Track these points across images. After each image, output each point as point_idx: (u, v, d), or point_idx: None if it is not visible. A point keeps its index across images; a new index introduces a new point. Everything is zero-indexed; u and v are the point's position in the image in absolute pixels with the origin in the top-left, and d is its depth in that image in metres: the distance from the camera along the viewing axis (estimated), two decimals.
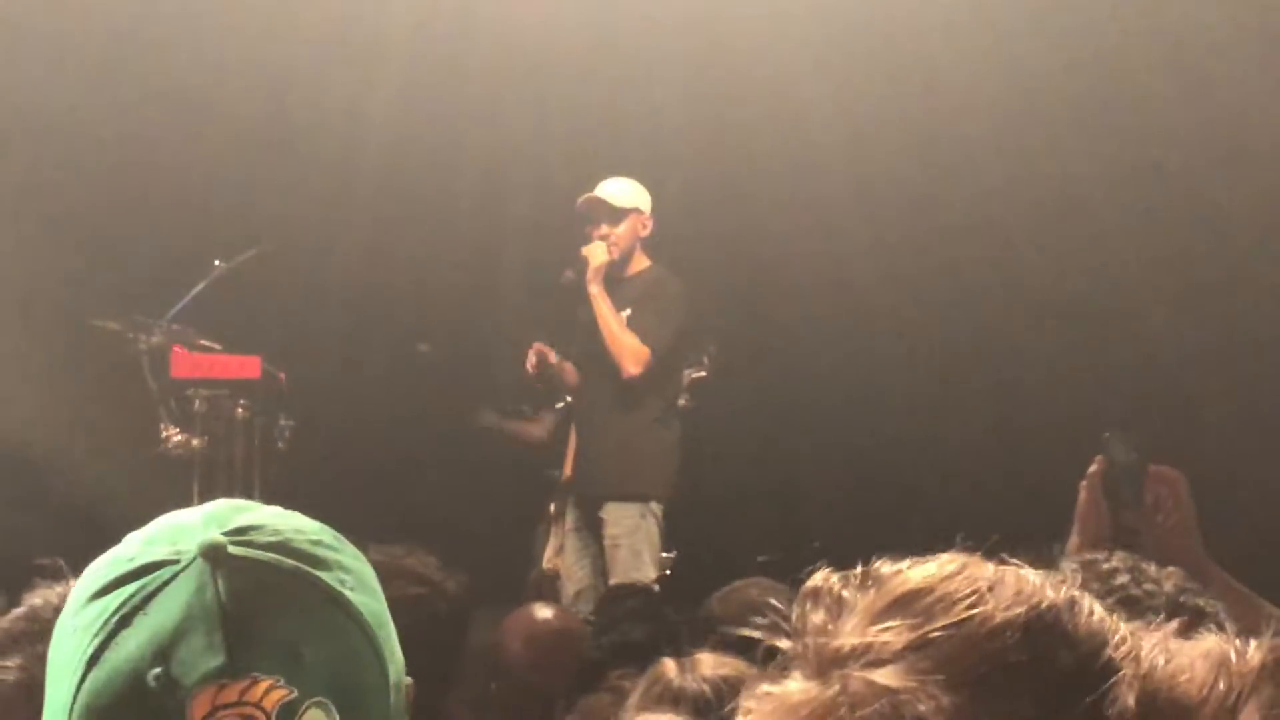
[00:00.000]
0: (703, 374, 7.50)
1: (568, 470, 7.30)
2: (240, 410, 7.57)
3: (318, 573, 1.14)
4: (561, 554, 7.21)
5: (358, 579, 1.17)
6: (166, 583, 1.10)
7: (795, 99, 8.22)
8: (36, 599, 2.04)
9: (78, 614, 1.13)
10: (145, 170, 8.29)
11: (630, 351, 6.44)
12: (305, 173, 8.49)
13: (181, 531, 1.14)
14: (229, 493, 7.41)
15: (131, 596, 1.10)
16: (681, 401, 7.23)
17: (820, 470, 8.05)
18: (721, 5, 8.23)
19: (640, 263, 6.71)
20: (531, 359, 6.68)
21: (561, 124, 8.55)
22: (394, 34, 8.44)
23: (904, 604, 1.02)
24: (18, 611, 2.05)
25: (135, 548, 1.15)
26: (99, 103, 8.13)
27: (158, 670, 1.07)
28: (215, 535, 1.12)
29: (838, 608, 1.05)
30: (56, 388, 7.97)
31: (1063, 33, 7.87)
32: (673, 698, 2.44)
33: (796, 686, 1.02)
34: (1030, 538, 1.44)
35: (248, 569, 1.11)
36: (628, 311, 6.55)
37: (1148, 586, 2.10)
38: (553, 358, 6.68)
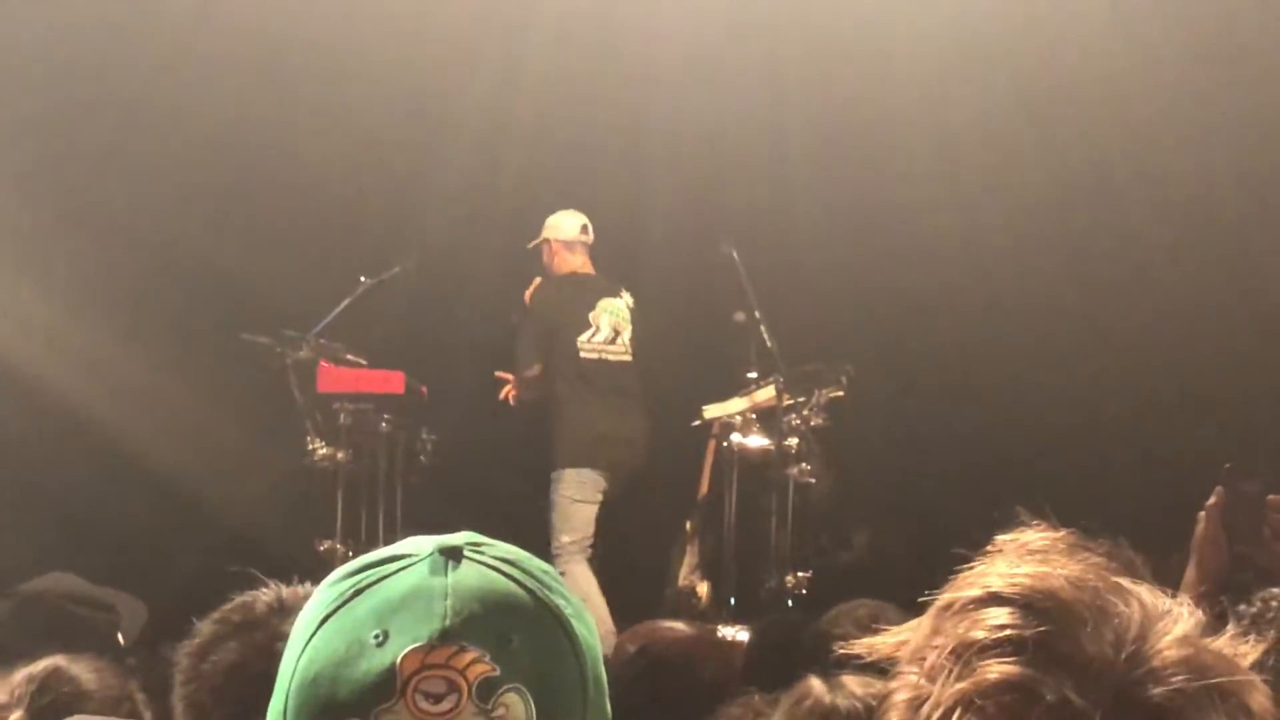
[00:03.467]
0: (840, 393, 7.50)
1: (704, 487, 7.38)
2: (384, 424, 7.69)
3: (543, 589, 1.22)
4: (697, 571, 7.28)
5: (578, 613, 1.24)
6: (403, 569, 1.21)
7: (937, 119, 8.23)
8: (247, 596, 2.21)
9: (321, 592, 1.24)
10: (294, 188, 8.48)
11: None
12: (449, 190, 8.64)
13: (425, 541, 1.25)
14: (372, 505, 7.58)
15: (369, 576, 1.21)
16: (818, 421, 7.29)
17: (956, 492, 8.00)
18: (856, 19, 8.27)
19: None
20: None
21: (696, 139, 8.64)
22: (534, 53, 8.57)
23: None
24: (234, 603, 2.22)
25: (384, 549, 1.26)
26: (252, 124, 8.33)
27: (377, 630, 1.17)
28: (455, 541, 1.23)
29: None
30: (208, 400, 8.18)
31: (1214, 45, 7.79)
32: (823, 714, 2.47)
33: (926, 682, 1.05)
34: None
35: (478, 568, 1.21)
36: None
37: None
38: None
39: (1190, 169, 8.01)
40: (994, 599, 1.05)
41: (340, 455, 7.55)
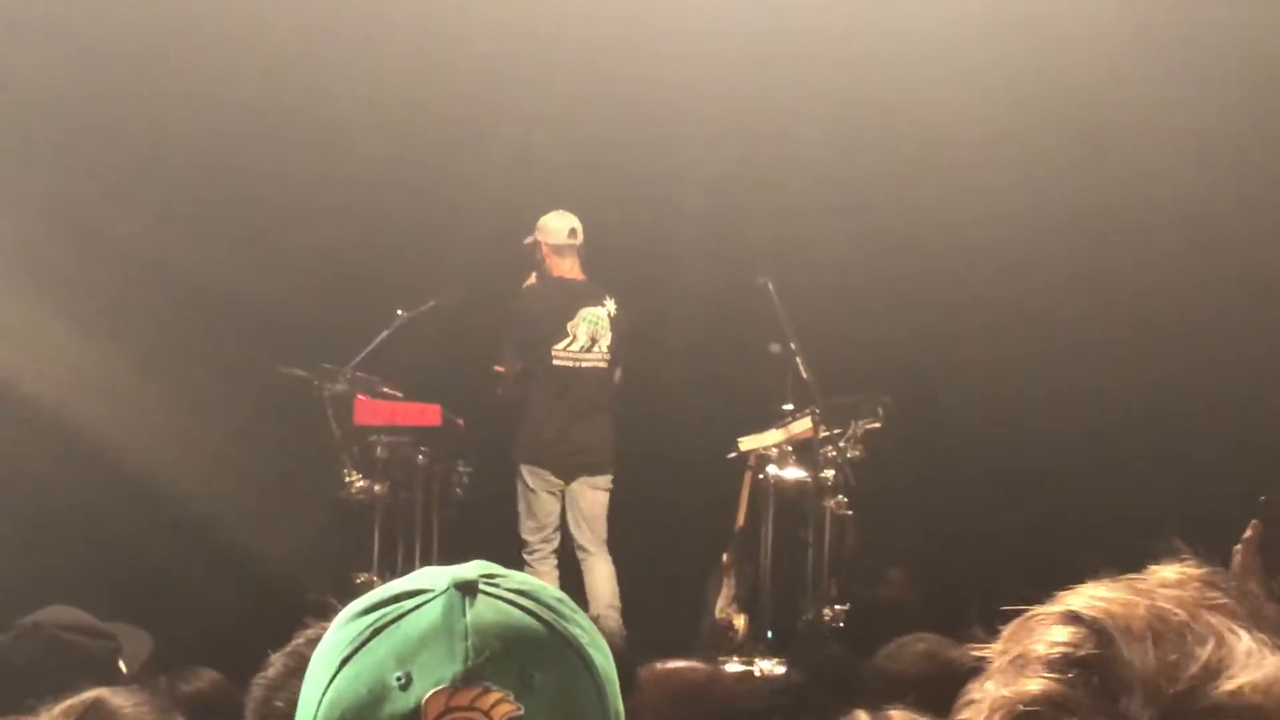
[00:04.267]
0: (877, 425, 7.48)
1: (740, 519, 7.37)
2: (420, 457, 7.71)
3: (559, 620, 1.22)
4: (734, 604, 7.28)
5: (593, 639, 1.24)
6: (420, 606, 1.20)
7: (982, 153, 8.25)
8: (319, 629, 2.14)
9: (336, 631, 1.23)
10: (331, 223, 8.52)
11: None
12: (485, 224, 8.66)
13: (439, 573, 1.24)
14: (408, 537, 7.57)
15: (386, 614, 1.21)
16: (855, 453, 7.29)
17: (996, 523, 7.96)
18: (890, 36, 8.34)
19: None
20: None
21: (730, 170, 8.67)
22: (564, 89, 8.61)
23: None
24: (305, 636, 2.15)
25: (396, 583, 1.26)
26: (290, 155, 8.38)
27: (400, 673, 1.16)
28: (469, 574, 1.22)
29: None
30: (245, 432, 8.20)
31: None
32: None
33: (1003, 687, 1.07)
34: None
35: (494, 603, 1.21)
36: None
37: None
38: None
39: (1234, 192, 8.00)
40: (1067, 617, 1.07)
41: (377, 488, 7.57)
